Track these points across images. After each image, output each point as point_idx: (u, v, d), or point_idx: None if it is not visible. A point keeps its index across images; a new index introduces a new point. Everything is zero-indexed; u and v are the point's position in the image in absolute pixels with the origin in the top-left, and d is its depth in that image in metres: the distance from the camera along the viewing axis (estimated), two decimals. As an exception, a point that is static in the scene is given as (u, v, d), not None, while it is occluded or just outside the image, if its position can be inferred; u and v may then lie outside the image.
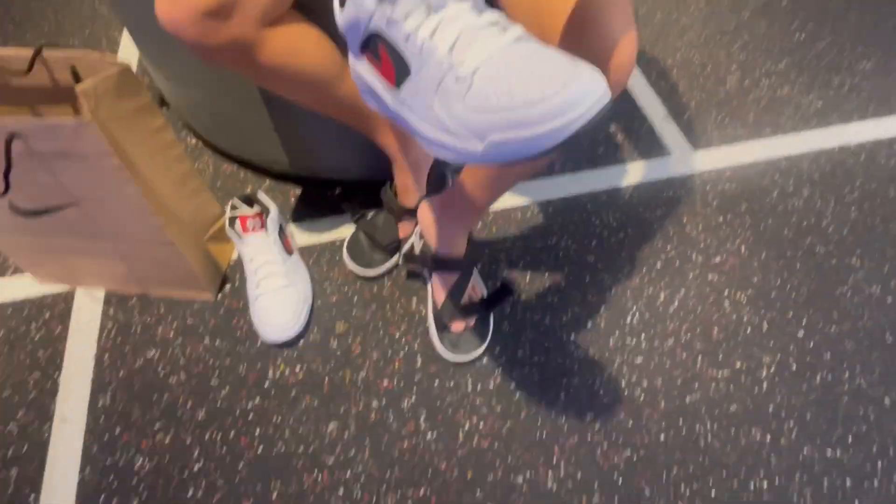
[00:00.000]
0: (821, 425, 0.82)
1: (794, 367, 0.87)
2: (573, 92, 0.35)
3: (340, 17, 0.46)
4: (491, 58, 0.38)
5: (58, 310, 0.91)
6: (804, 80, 1.26)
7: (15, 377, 0.84)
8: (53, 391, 0.83)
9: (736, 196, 1.06)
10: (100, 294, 0.92)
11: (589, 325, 0.90)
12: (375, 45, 0.45)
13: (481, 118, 0.38)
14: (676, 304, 0.93)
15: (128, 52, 1.29)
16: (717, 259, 0.98)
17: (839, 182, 1.09)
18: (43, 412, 0.81)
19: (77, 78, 0.67)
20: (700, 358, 0.87)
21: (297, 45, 0.63)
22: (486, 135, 0.38)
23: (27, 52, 0.66)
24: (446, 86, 0.40)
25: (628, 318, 0.91)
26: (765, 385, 0.85)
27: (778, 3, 1.44)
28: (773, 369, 0.87)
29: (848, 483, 0.77)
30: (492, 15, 0.41)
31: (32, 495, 0.75)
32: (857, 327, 0.91)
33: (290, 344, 0.87)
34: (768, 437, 0.81)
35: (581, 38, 0.50)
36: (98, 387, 0.83)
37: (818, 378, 0.86)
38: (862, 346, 0.89)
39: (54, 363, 0.85)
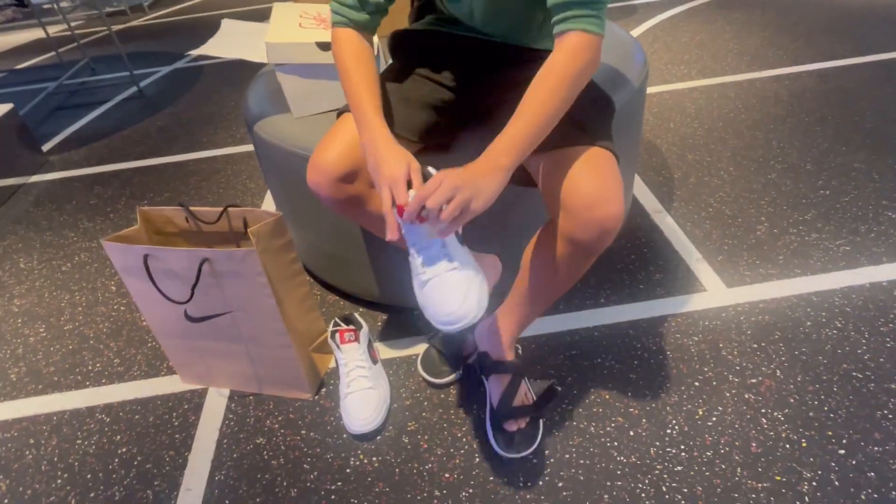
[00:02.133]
0: (869, 542, 0.83)
1: (836, 483, 0.90)
2: (451, 317, 0.73)
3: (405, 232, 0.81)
4: (436, 276, 0.76)
5: (193, 403, 1.14)
6: (831, 228, 1.41)
7: (155, 454, 1.06)
8: (183, 466, 1.03)
9: (769, 326, 1.17)
10: (226, 392, 1.16)
11: (631, 434, 1.00)
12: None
13: (420, 300, 0.78)
14: (714, 419, 1.01)
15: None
16: (753, 381, 1.07)
17: (872, 315, 1.17)
18: (173, 482, 1.01)
19: (246, 225, 0.98)
20: (739, 469, 0.93)
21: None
22: (422, 307, 0.78)
23: (218, 209, 0.99)
24: (417, 280, 0.79)
25: (668, 430, 1.00)
26: (807, 499, 0.89)
27: (802, 165, 1.65)
28: (814, 484, 0.90)
29: None
30: (447, 256, 0.77)
31: (157, 550, 0.91)
32: (902, 449, 0.94)
33: (370, 437, 1.04)
34: (813, 549, 0.83)
35: (559, 193, 0.74)
36: (217, 465, 1.02)
37: (863, 495, 0.88)
38: (908, 467, 0.91)
39: (186, 444, 1.07)
